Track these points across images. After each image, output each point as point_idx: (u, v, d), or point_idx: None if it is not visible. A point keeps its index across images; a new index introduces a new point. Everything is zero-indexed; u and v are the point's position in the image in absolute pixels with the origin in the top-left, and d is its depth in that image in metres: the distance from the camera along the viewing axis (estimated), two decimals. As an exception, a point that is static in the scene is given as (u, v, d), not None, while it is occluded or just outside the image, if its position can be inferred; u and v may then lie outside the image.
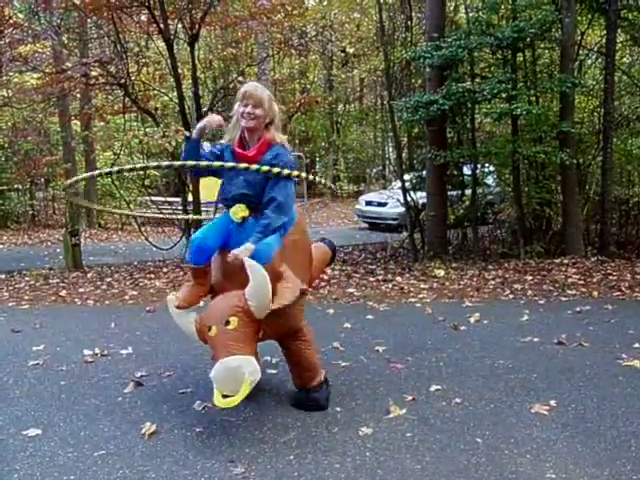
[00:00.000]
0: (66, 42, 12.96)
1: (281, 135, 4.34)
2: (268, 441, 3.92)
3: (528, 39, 10.25)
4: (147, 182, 18.02)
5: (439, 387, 4.71)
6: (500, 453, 3.68)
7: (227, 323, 3.88)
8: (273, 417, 4.23)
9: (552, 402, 4.38)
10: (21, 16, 12.56)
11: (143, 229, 14.62)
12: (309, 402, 4.39)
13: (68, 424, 4.29)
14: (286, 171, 4.07)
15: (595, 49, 12.44)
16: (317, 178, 5.09)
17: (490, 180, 12.88)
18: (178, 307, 4.30)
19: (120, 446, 3.93)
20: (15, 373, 5.39)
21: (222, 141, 4.44)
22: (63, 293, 9.05)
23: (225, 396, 3.83)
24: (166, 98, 14.49)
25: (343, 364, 5.34)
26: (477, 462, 3.58)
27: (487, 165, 12.09)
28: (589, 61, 12.88)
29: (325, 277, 9.43)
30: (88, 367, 5.54)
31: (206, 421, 4.26)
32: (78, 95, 14.87)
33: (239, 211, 4.20)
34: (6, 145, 20.81)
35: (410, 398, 4.50)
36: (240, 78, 14.16)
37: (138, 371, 5.33)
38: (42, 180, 22.95)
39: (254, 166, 4.04)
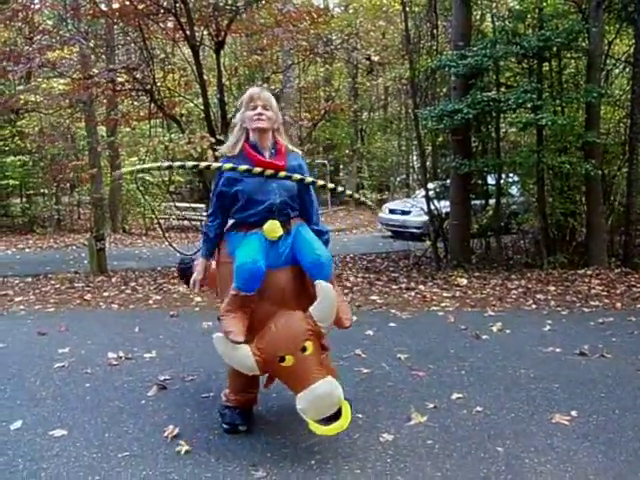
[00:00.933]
0: (93, 48, 13.08)
1: (287, 141, 4.23)
2: (290, 446, 3.95)
3: (554, 48, 10.22)
4: (172, 188, 18.12)
5: (460, 395, 4.71)
6: (520, 462, 3.68)
7: (304, 350, 3.72)
8: (294, 423, 4.22)
9: (573, 412, 4.37)
10: (50, 23, 12.71)
11: (167, 235, 14.71)
12: None
13: (93, 425, 4.34)
14: (330, 185, 4.05)
15: (623, 59, 12.39)
16: (357, 195, 5.01)
17: (514, 190, 12.85)
18: (239, 342, 3.77)
19: (143, 448, 3.98)
20: (41, 375, 5.46)
21: (222, 153, 4.24)
22: (88, 297, 9.13)
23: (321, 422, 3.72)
24: (191, 105, 14.57)
25: (365, 371, 5.36)
26: (497, 470, 3.59)
27: (511, 175, 12.07)
28: (616, 71, 12.82)
29: (348, 284, 9.46)
30: (112, 370, 5.60)
31: (228, 425, 4.30)
32: (104, 101, 14.98)
33: (276, 229, 3.92)
34: (33, 150, 21.02)
35: (432, 406, 4.51)
36: (265, 85, 14.24)
37: (162, 374, 5.38)
38: (67, 185, 23.16)
39: (297, 175, 3.97)
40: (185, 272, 4.95)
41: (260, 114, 4.00)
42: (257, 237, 3.94)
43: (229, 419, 4.21)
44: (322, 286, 3.74)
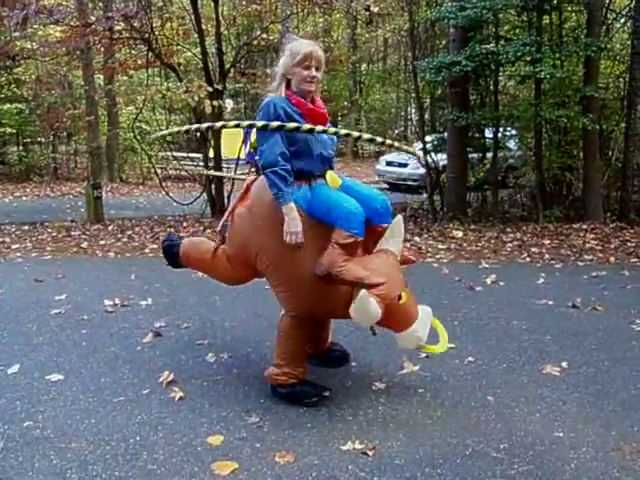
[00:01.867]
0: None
1: None
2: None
3: (554, 1, 10.16)
4: (169, 138, 18.04)
5: (453, 345, 4.74)
6: (510, 411, 3.74)
7: (406, 285, 3.72)
8: (288, 370, 4.31)
9: (564, 364, 4.43)
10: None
11: (164, 184, 14.70)
12: None
13: (89, 371, 4.39)
14: (366, 135, 3.95)
15: (624, 13, 12.29)
16: (397, 144, 4.76)
17: (512, 144, 12.83)
18: (380, 283, 3.50)
19: (138, 393, 4.03)
20: (38, 321, 5.51)
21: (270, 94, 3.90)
22: (84, 245, 9.17)
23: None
24: (189, 54, 14.46)
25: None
26: (487, 419, 3.65)
27: (509, 129, 12.05)
28: (617, 25, 12.73)
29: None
30: (108, 317, 5.65)
31: (223, 372, 4.35)
32: (102, 49, 14.87)
33: (337, 179, 3.85)
34: (30, 98, 20.88)
35: (424, 355, 4.55)
36: (264, 35, 14.13)
37: (157, 322, 5.43)
38: (65, 134, 23.05)
39: (343, 131, 3.94)
40: (171, 250, 4.71)
41: (313, 77, 3.80)
42: (327, 186, 3.83)
43: (309, 393, 3.91)
44: (400, 221, 3.87)
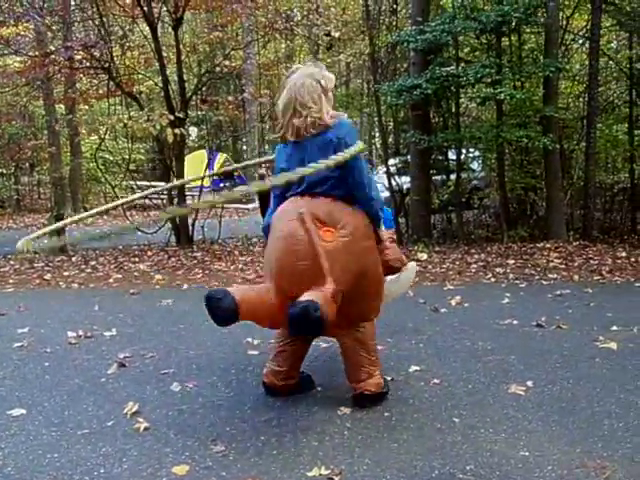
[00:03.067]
0: (49, 25, 12.90)
1: None
2: (248, 420, 3.96)
3: (513, 23, 10.30)
4: (132, 166, 17.98)
5: (418, 368, 4.76)
6: (476, 432, 3.74)
7: None
8: (253, 397, 4.28)
9: (529, 383, 4.44)
10: (1, -2, 12.51)
11: (128, 213, 14.63)
12: None
13: (52, 404, 4.33)
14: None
15: (581, 34, 12.49)
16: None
17: (475, 165, 12.95)
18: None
19: (103, 425, 3.97)
20: (0, 355, 5.43)
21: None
22: (48, 276, 9.09)
23: None
24: (151, 82, 14.46)
25: (324, 345, 5.37)
26: (453, 441, 3.64)
27: (472, 150, 12.16)
28: (575, 46, 12.93)
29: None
30: (72, 349, 5.58)
31: (188, 401, 4.30)
32: (62, 79, 14.80)
33: None
34: (-11, 129, 20.78)
35: (389, 378, 4.54)
36: (226, 62, 14.16)
37: (121, 352, 5.36)
38: (27, 165, 22.94)
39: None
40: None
41: None
42: None
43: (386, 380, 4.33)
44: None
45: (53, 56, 11.15)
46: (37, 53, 11.95)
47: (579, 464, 3.34)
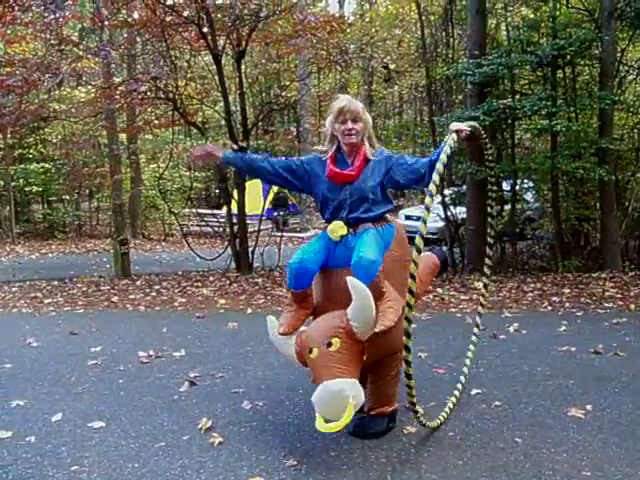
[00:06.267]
0: (121, 58, 13.34)
1: (375, 143, 4.21)
2: (318, 437, 4.12)
3: (568, 57, 10.38)
4: (192, 194, 18.35)
5: (479, 391, 4.90)
6: (538, 452, 3.86)
7: (329, 345, 3.73)
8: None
9: (588, 407, 4.54)
10: (76, 34, 12.96)
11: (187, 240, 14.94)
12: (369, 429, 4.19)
13: (129, 418, 4.56)
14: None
15: (636, 66, 12.54)
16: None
17: (529, 196, 12.99)
18: (284, 333, 4.01)
19: (179, 439, 4.18)
20: (77, 372, 5.70)
21: (320, 151, 4.27)
22: (115, 299, 9.40)
23: (328, 421, 3.69)
24: (209, 112, 14.81)
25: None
26: (516, 459, 3.77)
27: (526, 181, 12.23)
28: (630, 77, 12.96)
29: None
30: (144, 367, 5.84)
31: (258, 418, 4.50)
32: (126, 108, 15.23)
33: (338, 229, 4.03)
34: (56, 157, 21.36)
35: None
36: (284, 93, 14.48)
37: (192, 372, 5.59)
38: (87, 191, 23.48)
39: None
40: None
41: (350, 129, 4.04)
42: (324, 236, 4.14)
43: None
44: (352, 284, 3.67)
45: (122, 87, 11.53)
46: (105, 85, 12.33)
47: (641, 484, 3.46)
